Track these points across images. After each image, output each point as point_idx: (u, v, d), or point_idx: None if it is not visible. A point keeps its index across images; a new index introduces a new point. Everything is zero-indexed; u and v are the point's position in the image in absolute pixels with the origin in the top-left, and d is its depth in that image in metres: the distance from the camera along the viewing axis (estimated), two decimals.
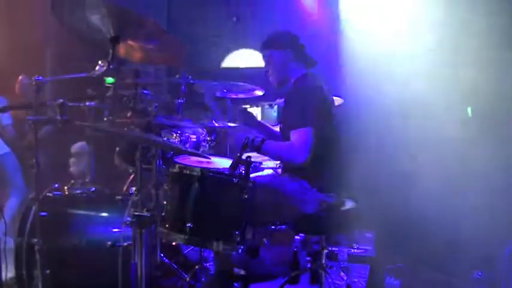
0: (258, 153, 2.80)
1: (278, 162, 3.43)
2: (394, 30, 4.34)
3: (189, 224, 2.36)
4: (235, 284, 3.06)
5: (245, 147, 2.54)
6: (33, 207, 2.76)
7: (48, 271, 2.69)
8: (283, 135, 2.94)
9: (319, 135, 2.67)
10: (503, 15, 3.76)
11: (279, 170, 3.34)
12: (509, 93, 3.75)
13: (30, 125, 2.53)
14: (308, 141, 2.63)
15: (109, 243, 2.74)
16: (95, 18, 2.20)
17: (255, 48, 3.01)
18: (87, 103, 2.88)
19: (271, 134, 3.12)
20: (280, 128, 3.08)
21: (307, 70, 2.92)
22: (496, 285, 3.48)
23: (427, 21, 4.14)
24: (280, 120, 3.06)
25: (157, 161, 2.66)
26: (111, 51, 2.25)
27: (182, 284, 3.24)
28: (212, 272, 3.28)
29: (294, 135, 2.68)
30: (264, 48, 2.95)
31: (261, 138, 2.76)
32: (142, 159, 2.46)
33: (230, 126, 3.14)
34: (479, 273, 3.56)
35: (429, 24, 4.14)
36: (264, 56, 2.96)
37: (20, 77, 4.53)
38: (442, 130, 4.23)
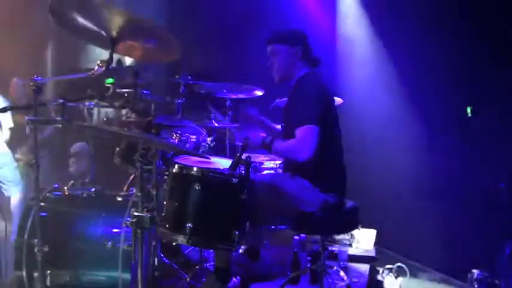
0: (269, 152, 2.80)
1: (278, 162, 3.44)
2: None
3: (189, 224, 2.36)
4: (235, 284, 3.06)
5: (245, 148, 2.54)
6: (33, 207, 2.76)
7: (48, 271, 2.69)
8: (285, 135, 2.94)
9: (322, 135, 2.66)
10: None
11: (279, 170, 3.34)
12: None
13: (30, 126, 2.52)
14: (312, 139, 2.62)
15: (109, 243, 2.74)
16: (95, 19, 2.20)
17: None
18: (87, 103, 2.88)
19: (274, 132, 3.12)
20: (282, 127, 3.08)
21: (311, 69, 2.91)
22: (496, 285, 3.48)
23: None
24: (282, 119, 3.04)
25: (157, 161, 2.66)
26: (110, 51, 2.25)
27: (182, 284, 3.24)
28: (212, 271, 3.28)
29: (299, 133, 2.67)
30: (273, 41, 2.91)
31: (271, 137, 2.75)
32: (142, 159, 2.45)
33: (231, 126, 3.14)
34: (479, 273, 3.55)
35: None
36: (270, 49, 2.93)
37: (14, 79, 4.52)
38: (441, 130, 4.24)
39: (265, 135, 2.81)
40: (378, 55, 4.56)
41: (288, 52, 2.88)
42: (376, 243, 4.31)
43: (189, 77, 3.70)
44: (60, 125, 2.42)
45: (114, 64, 2.31)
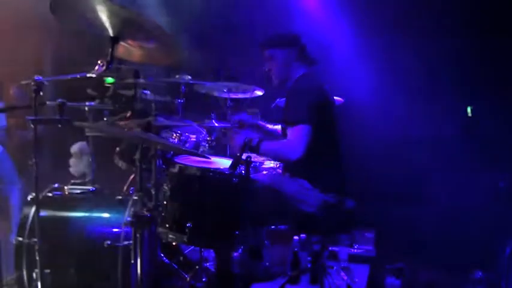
0: (257, 154, 2.80)
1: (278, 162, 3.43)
2: None
3: (189, 224, 2.36)
4: (236, 284, 3.06)
5: (245, 147, 2.54)
6: (33, 207, 2.76)
7: (48, 271, 2.69)
8: (285, 135, 2.94)
9: (320, 135, 2.67)
10: None
11: (279, 170, 3.34)
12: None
13: (29, 125, 2.52)
14: (303, 138, 2.63)
15: (108, 243, 2.74)
16: (95, 18, 2.20)
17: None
18: (87, 103, 2.88)
19: (271, 134, 3.12)
20: (281, 128, 3.08)
21: (308, 69, 2.93)
22: (496, 285, 3.48)
23: None
24: (281, 119, 3.05)
25: (157, 161, 2.66)
26: (110, 51, 2.25)
27: (182, 284, 3.23)
28: (212, 272, 3.28)
29: (290, 132, 2.69)
30: (267, 47, 2.95)
31: (258, 140, 2.74)
32: (142, 159, 2.45)
33: (230, 127, 3.14)
34: (479, 273, 3.56)
35: None
36: (266, 55, 2.96)
37: (13, 88, 4.50)
38: (442, 130, 4.24)
39: (252, 138, 2.79)
40: (378, 54, 4.55)
41: (283, 55, 2.91)
42: (376, 243, 4.31)
43: (189, 77, 3.70)
44: (60, 125, 2.43)
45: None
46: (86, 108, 3.07)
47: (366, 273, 3.88)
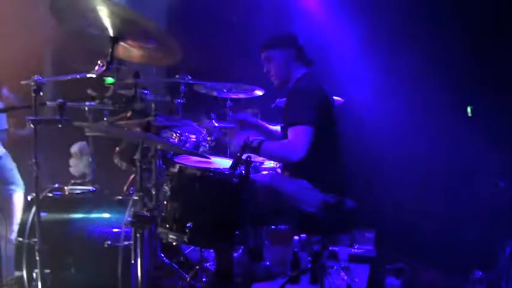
0: (258, 155, 2.80)
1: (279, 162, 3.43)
2: None
3: (189, 224, 2.36)
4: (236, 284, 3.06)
5: (245, 147, 2.54)
6: (33, 208, 2.76)
7: (48, 271, 2.69)
8: (284, 135, 2.94)
9: (321, 135, 2.67)
10: None
11: (279, 170, 3.34)
12: None
13: (29, 125, 2.52)
14: (305, 139, 2.63)
15: (108, 243, 2.74)
16: (94, 18, 2.20)
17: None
18: (87, 103, 2.88)
19: (271, 135, 3.12)
20: (281, 128, 3.08)
21: (308, 70, 2.93)
22: (496, 285, 3.48)
23: None
24: (281, 120, 3.05)
25: (157, 161, 2.66)
26: (110, 51, 2.25)
27: (183, 284, 3.23)
28: (213, 272, 3.28)
29: (291, 132, 2.69)
30: (265, 48, 2.96)
31: (259, 140, 2.73)
32: (142, 159, 2.45)
33: (230, 127, 3.15)
34: (479, 273, 3.56)
35: None
36: (264, 57, 2.97)
37: (3, 90, 4.50)
38: (441, 130, 4.24)
39: (254, 138, 2.78)
40: (378, 54, 4.56)
41: (281, 56, 2.92)
42: (376, 243, 4.31)
43: (189, 77, 3.70)
44: (60, 125, 2.43)
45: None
46: (86, 108, 3.07)
47: (366, 273, 3.88)
